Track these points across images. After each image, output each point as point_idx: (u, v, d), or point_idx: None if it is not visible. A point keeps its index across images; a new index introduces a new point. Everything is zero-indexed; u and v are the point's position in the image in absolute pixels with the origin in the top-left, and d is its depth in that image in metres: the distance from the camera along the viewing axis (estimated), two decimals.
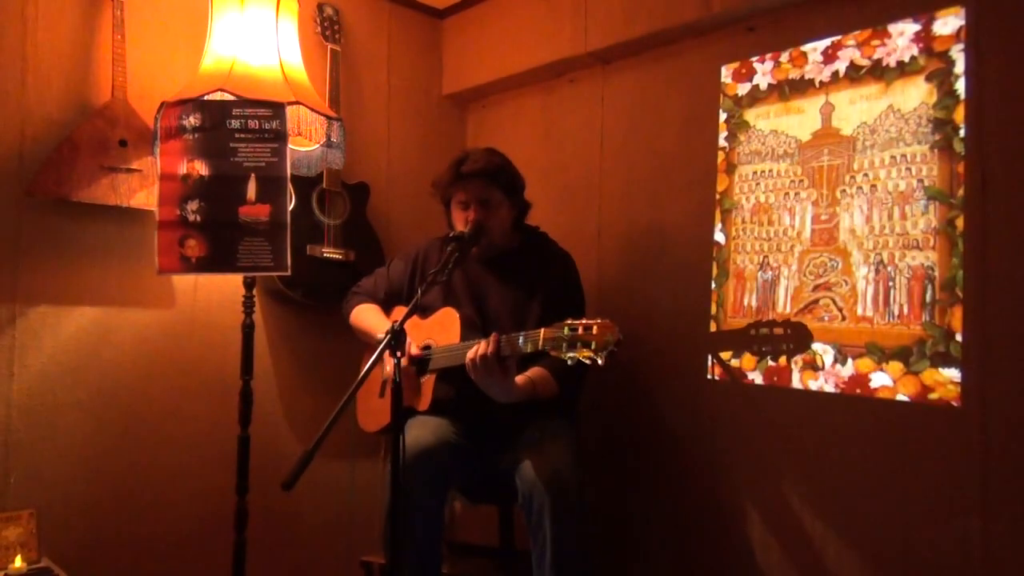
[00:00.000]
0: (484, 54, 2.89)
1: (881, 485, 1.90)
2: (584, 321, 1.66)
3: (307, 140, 2.11)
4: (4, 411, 2.07)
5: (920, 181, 1.89)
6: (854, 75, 2.02)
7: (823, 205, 2.07)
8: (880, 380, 1.92)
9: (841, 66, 2.05)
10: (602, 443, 2.47)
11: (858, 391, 1.96)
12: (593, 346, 1.62)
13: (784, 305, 2.12)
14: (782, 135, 2.16)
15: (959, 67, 1.84)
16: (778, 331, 2.08)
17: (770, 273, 2.15)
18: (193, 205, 2.01)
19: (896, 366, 1.89)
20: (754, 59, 2.23)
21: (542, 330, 1.73)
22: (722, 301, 2.25)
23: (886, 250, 1.94)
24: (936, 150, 1.87)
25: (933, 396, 1.83)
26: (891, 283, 1.92)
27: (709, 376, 2.25)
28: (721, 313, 2.25)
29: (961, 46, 1.84)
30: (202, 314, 2.41)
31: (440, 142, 3.03)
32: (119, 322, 2.26)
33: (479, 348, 1.82)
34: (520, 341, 1.78)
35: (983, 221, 1.78)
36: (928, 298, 1.86)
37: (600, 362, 1.62)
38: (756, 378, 2.15)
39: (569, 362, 1.66)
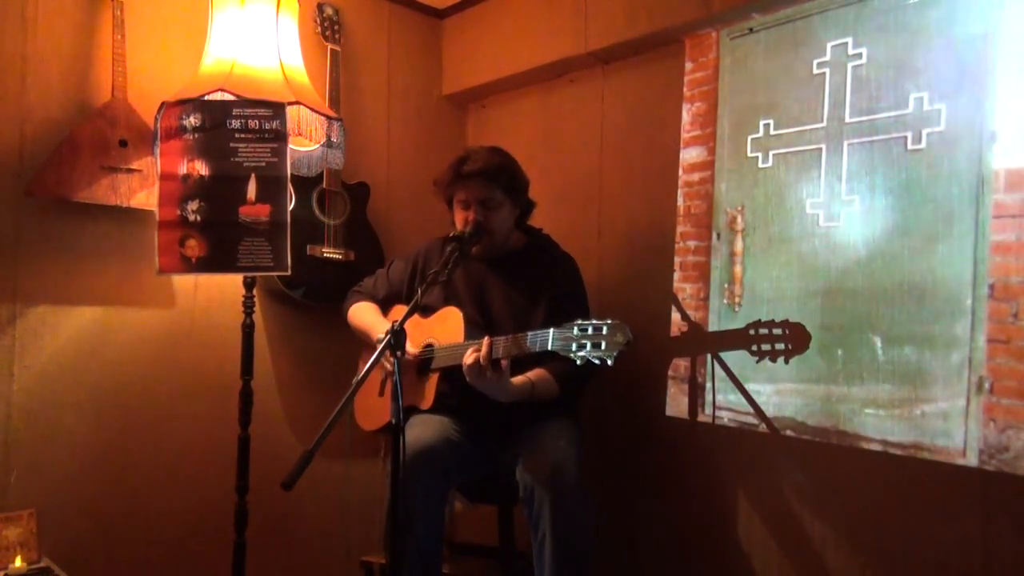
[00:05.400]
0: (484, 54, 2.89)
1: (881, 484, 1.91)
2: (595, 321, 1.66)
3: (307, 140, 2.12)
4: (4, 411, 2.07)
5: None
6: None
7: None
8: None
9: None
10: (602, 443, 2.47)
11: None
12: (603, 346, 1.62)
13: None
14: None
15: None
16: (777, 331, 2.08)
17: None
18: (193, 205, 2.01)
19: None
20: None
21: (552, 330, 1.72)
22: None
23: None
24: None
25: None
26: None
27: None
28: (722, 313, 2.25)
29: None
30: (202, 314, 2.41)
31: (440, 142, 3.03)
32: (119, 322, 2.26)
33: (470, 354, 1.83)
34: (528, 340, 1.78)
35: None
36: None
37: (610, 363, 1.62)
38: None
39: (579, 362, 1.66)
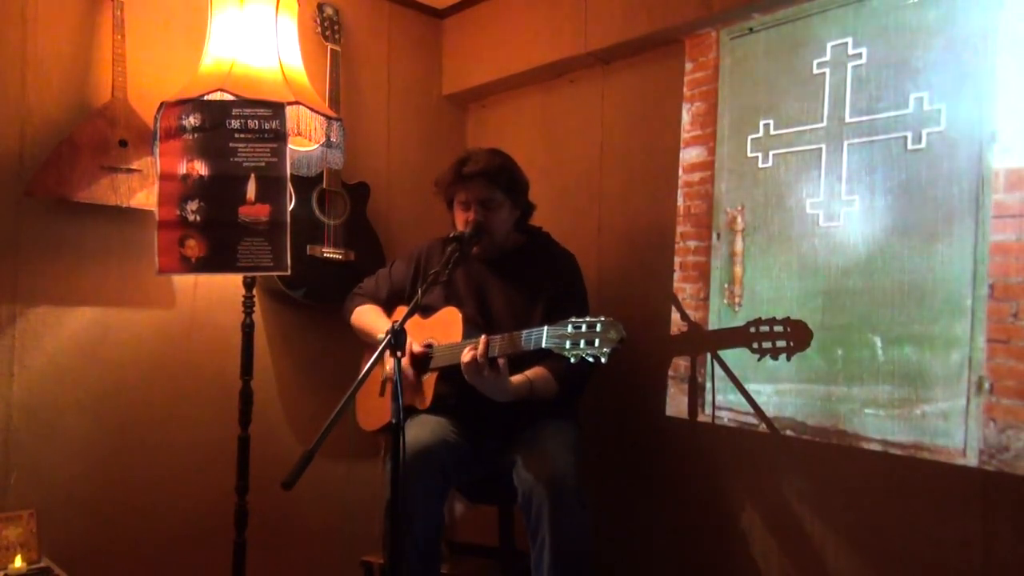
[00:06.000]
0: (484, 54, 2.89)
1: (881, 484, 1.91)
2: (588, 319, 1.65)
3: (307, 140, 2.11)
4: (4, 411, 2.07)
5: None
6: None
7: None
8: None
9: None
10: (602, 443, 2.47)
11: None
12: (597, 343, 1.62)
13: None
14: None
15: None
16: (778, 329, 2.08)
17: None
18: (193, 205, 2.01)
19: None
20: None
21: (546, 328, 1.73)
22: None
23: None
24: None
25: None
26: None
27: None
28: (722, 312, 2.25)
29: None
30: (202, 314, 2.41)
31: (440, 142, 3.03)
32: (119, 322, 2.26)
33: (467, 353, 1.83)
34: (523, 339, 1.78)
35: None
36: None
37: (604, 360, 1.62)
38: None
39: (572, 359, 1.66)
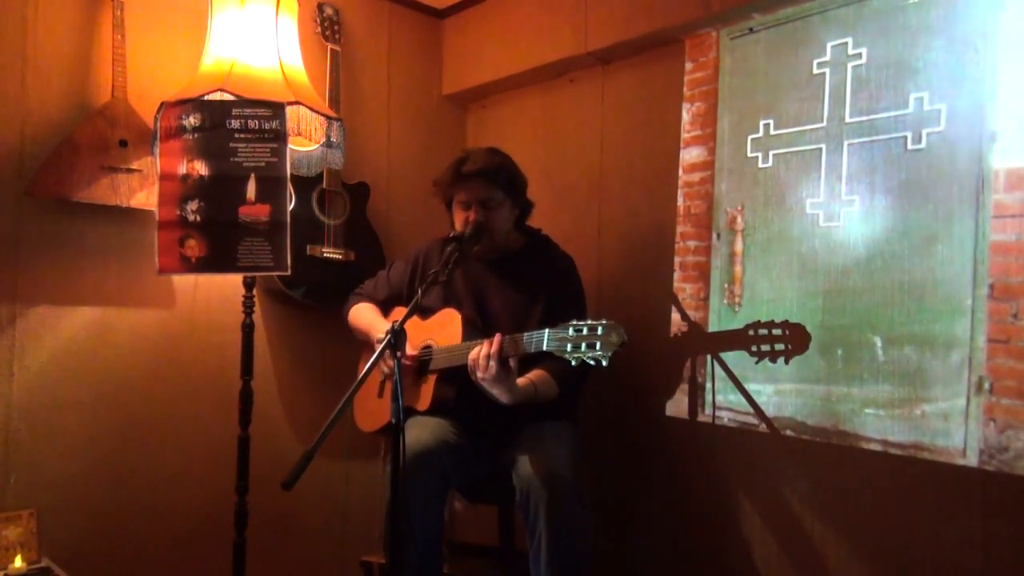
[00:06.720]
0: (484, 54, 2.89)
1: (881, 484, 1.91)
2: (589, 321, 1.65)
3: (307, 140, 2.12)
4: (4, 411, 2.07)
5: None
6: None
7: None
8: None
9: None
10: (602, 443, 2.47)
11: None
12: (598, 346, 1.62)
13: None
14: None
15: None
16: (776, 332, 2.08)
17: None
18: (193, 205, 2.01)
19: None
20: None
21: (547, 330, 1.72)
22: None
23: None
24: None
25: None
26: None
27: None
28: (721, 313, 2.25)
29: None
30: (202, 314, 2.41)
31: (440, 142, 3.03)
32: (119, 322, 2.26)
33: (482, 348, 1.81)
34: (524, 341, 1.78)
35: None
36: None
37: (604, 363, 1.62)
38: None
39: (573, 362, 1.66)
